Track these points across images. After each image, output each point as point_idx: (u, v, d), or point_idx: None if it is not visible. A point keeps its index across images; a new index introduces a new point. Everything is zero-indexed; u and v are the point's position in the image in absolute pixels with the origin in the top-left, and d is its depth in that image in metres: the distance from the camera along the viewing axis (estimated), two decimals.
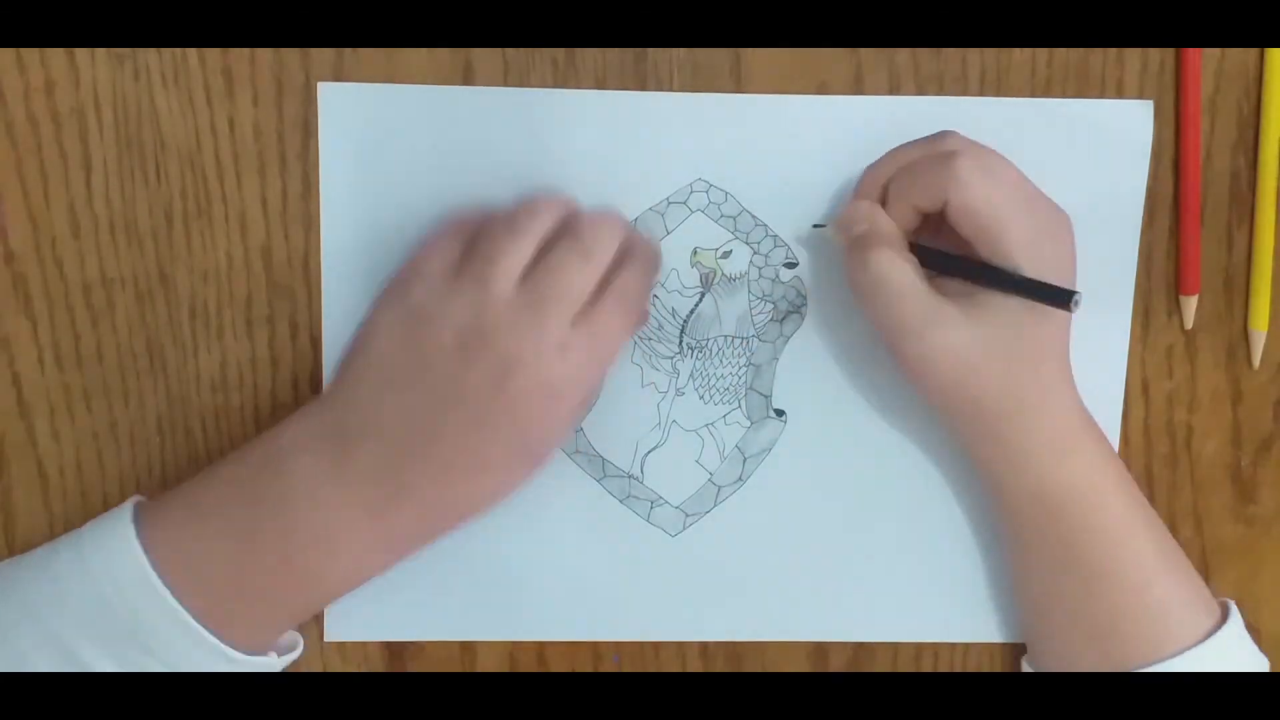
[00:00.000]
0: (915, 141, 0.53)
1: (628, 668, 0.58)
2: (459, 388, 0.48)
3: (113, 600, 0.48)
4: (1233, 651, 0.52)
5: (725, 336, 0.56)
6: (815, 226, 0.55)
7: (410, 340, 0.49)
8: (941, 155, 0.50)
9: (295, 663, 0.56)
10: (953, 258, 0.51)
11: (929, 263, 0.51)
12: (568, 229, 0.50)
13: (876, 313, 0.51)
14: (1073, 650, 0.53)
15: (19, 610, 0.49)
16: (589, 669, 0.57)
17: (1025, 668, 0.56)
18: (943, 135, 0.52)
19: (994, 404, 0.50)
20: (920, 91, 0.54)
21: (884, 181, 0.52)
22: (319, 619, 0.56)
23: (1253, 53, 0.55)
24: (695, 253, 0.55)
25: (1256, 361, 0.56)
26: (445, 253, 0.50)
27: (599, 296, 0.49)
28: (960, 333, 0.49)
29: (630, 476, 0.56)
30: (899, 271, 0.50)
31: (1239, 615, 0.53)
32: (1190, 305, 0.55)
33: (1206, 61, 0.55)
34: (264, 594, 0.49)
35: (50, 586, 0.49)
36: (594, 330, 0.49)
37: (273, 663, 0.51)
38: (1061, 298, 0.48)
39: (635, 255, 0.51)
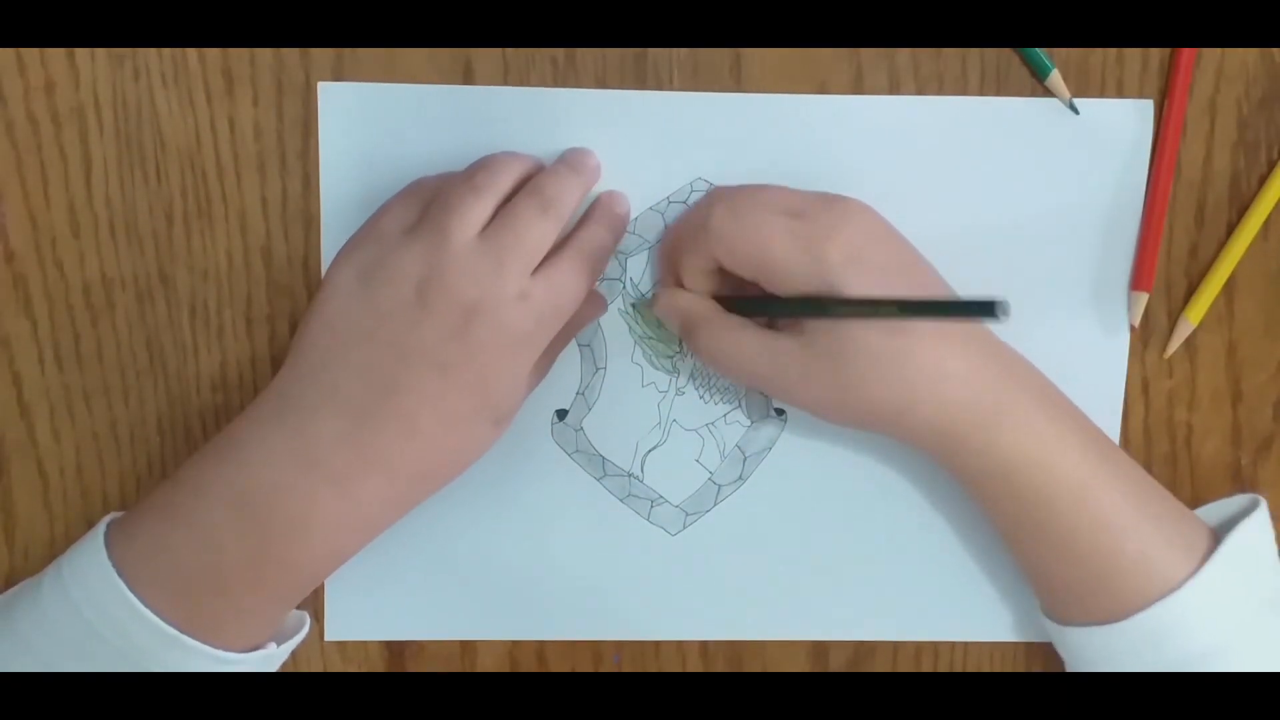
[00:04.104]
0: (686, 211, 0.54)
1: (628, 668, 0.58)
2: (418, 337, 0.48)
3: (98, 625, 0.47)
4: (1223, 579, 0.50)
5: None
6: (661, 327, 0.55)
7: (366, 296, 0.48)
8: (699, 219, 0.51)
9: (296, 663, 0.56)
10: (748, 302, 0.52)
11: (742, 310, 0.52)
12: (529, 185, 0.50)
13: (739, 381, 0.54)
14: (1066, 609, 0.52)
15: (13, 644, 0.49)
16: (589, 669, 0.58)
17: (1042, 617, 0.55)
18: (707, 195, 0.53)
19: (882, 409, 0.50)
20: (920, 91, 0.54)
21: (670, 258, 0.54)
22: (319, 619, 0.56)
23: (1253, 53, 0.55)
24: None
25: (1170, 351, 0.56)
26: (402, 213, 0.50)
27: (559, 250, 0.50)
28: (793, 360, 0.50)
29: (630, 476, 0.56)
30: (724, 343, 0.51)
31: (1241, 533, 0.51)
32: (1140, 301, 0.55)
33: (1207, 61, 0.55)
34: (246, 591, 0.49)
35: (39, 620, 0.48)
36: (552, 282, 0.49)
37: (272, 654, 0.51)
38: (986, 310, 0.44)
39: (600, 214, 0.52)
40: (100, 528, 0.49)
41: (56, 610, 0.48)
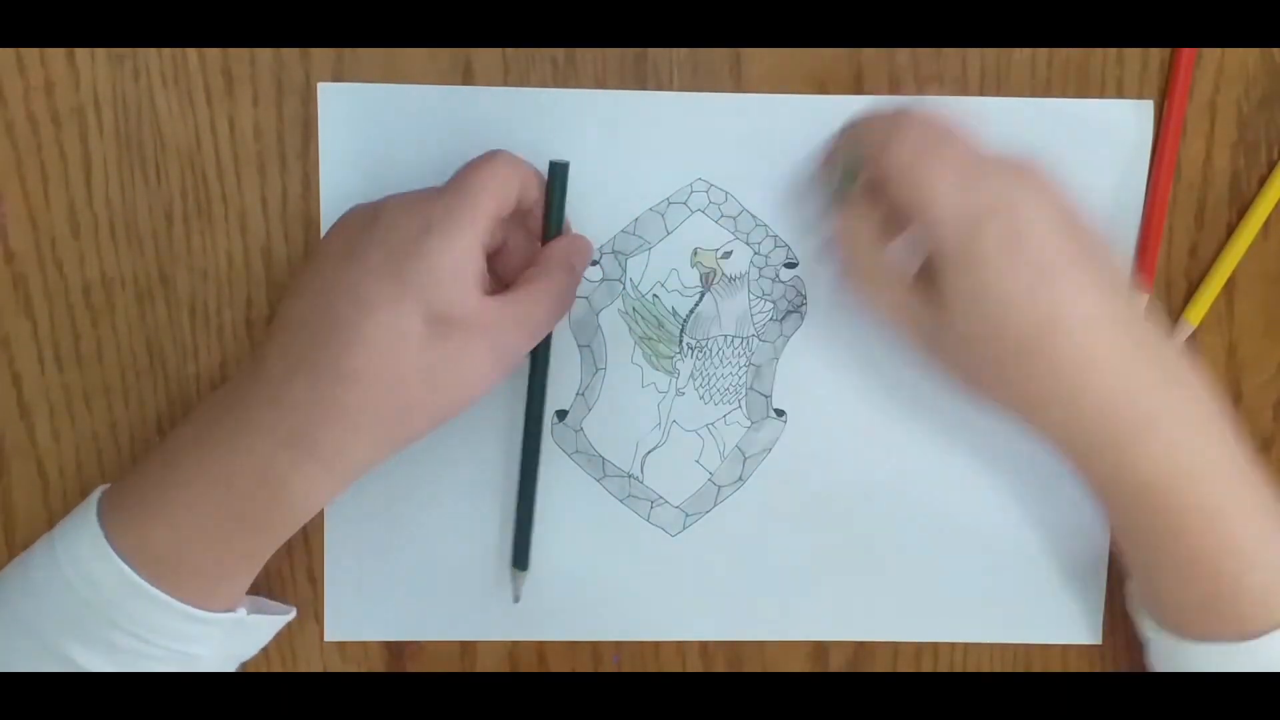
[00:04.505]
0: (878, 111, 0.51)
1: (628, 668, 0.58)
2: (353, 251, 0.48)
3: (72, 578, 0.48)
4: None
5: (725, 336, 0.56)
6: (661, 328, 0.55)
7: (322, 265, 0.49)
8: (889, 116, 0.49)
9: (296, 663, 0.56)
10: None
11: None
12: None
13: (880, 320, 0.52)
14: (1173, 621, 0.51)
15: (3, 615, 0.49)
16: (589, 669, 0.57)
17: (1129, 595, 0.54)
18: (913, 100, 0.51)
19: (1012, 394, 0.49)
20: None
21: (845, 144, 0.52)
22: (319, 619, 0.56)
23: (1253, 53, 0.55)
24: (695, 253, 0.55)
25: None
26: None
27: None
28: (931, 328, 0.49)
29: (630, 476, 0.56)
30: (875, 290, 0.50)
31: None
32: (1140, 302, 0.55)
33: (1207, 61, 0.55)
34: (222, 550, 0.49)
35: (23, 579, 0.49)
36: (464, 170, 0.50)
37: (242, 619, 0.51)
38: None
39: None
40: (95, 493, 0.50)
41: (38, 562, 0.49)
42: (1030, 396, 0.48)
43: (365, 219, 0.49)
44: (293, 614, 0.55)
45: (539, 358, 0.54)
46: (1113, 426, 0.48)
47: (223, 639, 0.50)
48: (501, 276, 0.52)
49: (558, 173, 0.52)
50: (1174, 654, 0.51)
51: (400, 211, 0.49)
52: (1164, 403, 0.48)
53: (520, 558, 0.55)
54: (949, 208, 0.47)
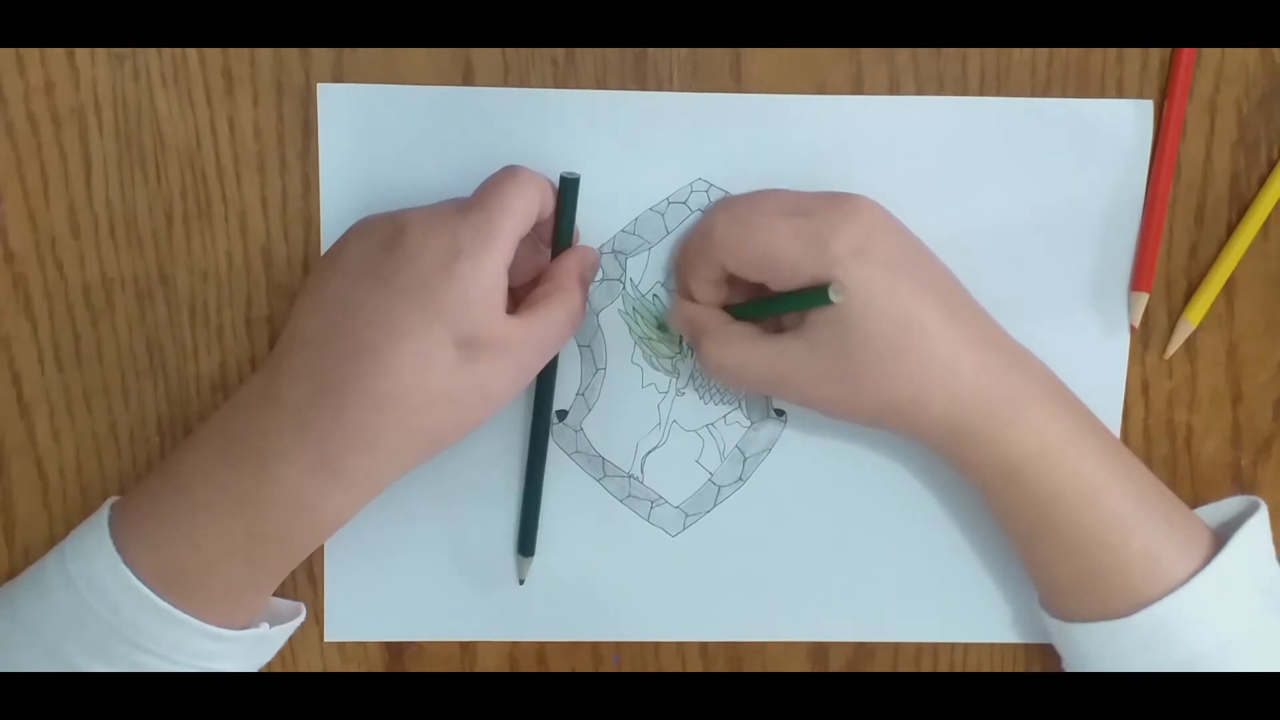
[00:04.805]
0: (693, 222, 0.54)
1: (628, 668, 0.58)
2: (359, 256, 0.49)
3: (90, 600, 0.47)
4: (1226, 578, 0.50)
5: None
6: (661, 328, 0.56)
7: (337, 273, 0.49)
8: (703, 229, 0.52)
9: (296, 663, 0.56)
10: (748, 305, 0.53)
11: (744, 317, 0.53)
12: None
13: (748, 388, 0.54)
14: (1068, 605, 0.52)
15: (11, 620, 0.49)
16: (589, 669, 0.57)
17: (1040, 611, 0.55)
18: (714, 205, 0.54)
19: (891, 404, 0.50)
20: (920, 91, 0.54)
21: (680, 271, 0.54)
22: (319, 619, 0.56)
23: (1253, 53, 0.55)
24: None
25: (1170, 352, 0.56)
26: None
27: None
28: (798, 361, 0.50)
29: (630, 476, 0.56)
30: (728, 352, 0.51)
31: (1245, 535, 0.51)
32: (1140, 302, 0.55)
33: (1207, 61, 0.55)
34: (239, 570, 0.48)
35: (38, 595, 0.49)
36: (486, 191, 0.50)
37: (264, 634, 0.51)
38: (819, 298, 0.48)
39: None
40: (105, 509, 0.50)
41: (53, 584, 0.48)
42: (905, 395, 0.49)
43: (387, 236, 0.49)
44: (303, 613, 0.55)
45: (548, 363, 0.54)
46: (983, 409, 0.49)
47: (245, 653, 0.51)
48: (509, 286, 0.52)
49: (569, 187, 0.52)
50: (1068, 640, 0.53)
51: (427, 232, 0.48)
52: (1023, 384, 0.50)
53: (526, 544, 0.55)
54: (795, 255, 0.49)
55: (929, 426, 0.50)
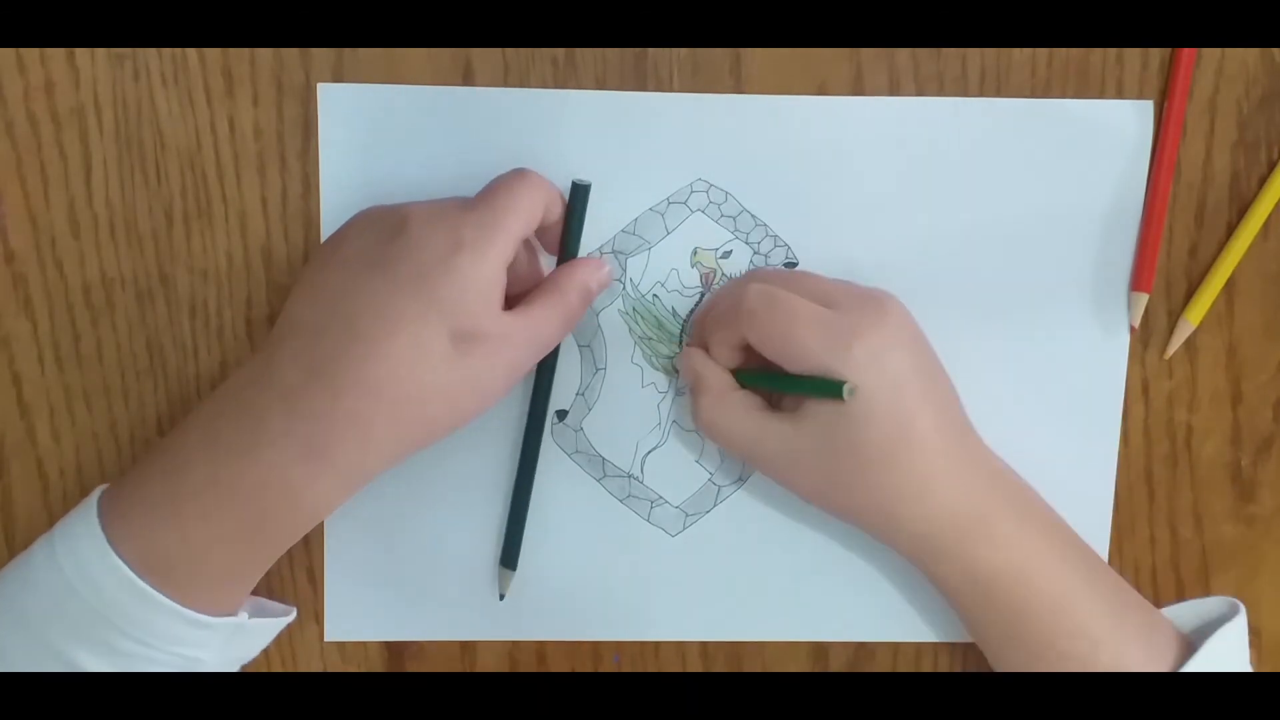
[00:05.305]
0: (727, 284, 0.55)
1: (628, 668, 0.58)
2: (359, 247, 0.49)
3: (74, 580, 0.47)
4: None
5: None
6: (660, 328, 0.56)
7: (334, 257, 0.50)
8: (735, 298, 0.52)
9: (296, 663, 0.56)
10: (759, 375, 0.53)
11: (749, 384, 0.53)
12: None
13: (728, 450, 0.54)
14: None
15: (5, 617, 0.49)
16: (589, 669, 0.57)
17: None
18: (749, 274, 0.54)
19: (865, 511, 0.51)
20: (920, 91, 0.54)
21: (703, 326, 0.55)
22: (319, 619, 0.56)
23: (1253, 53, 0.55)
24: (695, 253, 0.55)
25: (1170, 352, 0.56)
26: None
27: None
28: (785, 443, 0.51)
29: (630, 476, 0.56)
30: (721, 414, 0.52)
31: (1216, 641, 0.52)
32: (1140, 302, 0.55)
33: (1207, 61, 0.55)
34: (224, 557, 0.48)
35: (24, 578, 0.49)
36: (494, 190, 0.50)
37: (243, 623, 0.51)
38: (833, 390, 0.48)
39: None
40: (94, 495, 0.50)
41: (39, 566, 0.48)
42: (883, 504, 0.51)
43: (388, 227, 0.49)
44: (293, 615, 0.55)
45: (546, 363, 0.54)
46: (954, 528, 0.50)
47: (224, 643, 0.50)
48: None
49: (580, 194, 0.52)
50: None
51: (430, 225, 0.48)
52: (996, 502, 0.51)
53: (509, 557, 0.55)
54: (814, 345, 0.49)
55: (898, 538, 0.51)
